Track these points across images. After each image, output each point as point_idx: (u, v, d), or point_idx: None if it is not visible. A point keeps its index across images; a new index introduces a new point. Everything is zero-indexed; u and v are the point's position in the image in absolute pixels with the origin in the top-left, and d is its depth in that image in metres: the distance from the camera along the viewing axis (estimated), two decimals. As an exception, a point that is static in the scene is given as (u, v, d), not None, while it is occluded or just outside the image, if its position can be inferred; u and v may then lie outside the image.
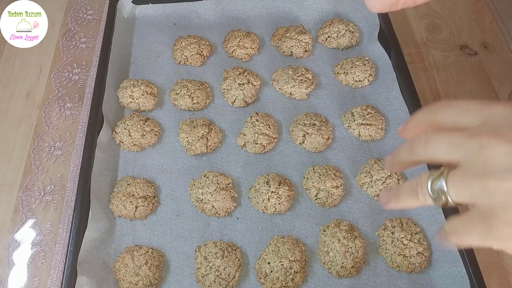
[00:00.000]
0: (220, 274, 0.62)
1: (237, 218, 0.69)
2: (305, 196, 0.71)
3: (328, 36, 0.89)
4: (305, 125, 0.76)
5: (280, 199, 0.68)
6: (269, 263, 0.63)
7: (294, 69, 0.82)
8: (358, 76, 0.83)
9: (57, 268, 0.66)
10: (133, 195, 0.68)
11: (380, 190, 0.70)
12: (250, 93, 0.80)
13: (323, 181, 0.70)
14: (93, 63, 0.88)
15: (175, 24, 0.92)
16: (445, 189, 0.30)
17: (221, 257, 0.63)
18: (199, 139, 0.74)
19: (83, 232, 0.62)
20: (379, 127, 0.77)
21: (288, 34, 0.87)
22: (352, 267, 0.63)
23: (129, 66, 0.86)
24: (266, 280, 0.62)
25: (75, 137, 0.79)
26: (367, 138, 0.77)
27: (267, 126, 0.75)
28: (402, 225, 0.67)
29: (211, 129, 0.76)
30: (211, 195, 0.68)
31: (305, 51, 0.87)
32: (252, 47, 0.86)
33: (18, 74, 0.88)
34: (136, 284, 0.61)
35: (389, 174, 0.70)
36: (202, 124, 0.76)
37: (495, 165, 0.27)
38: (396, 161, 0.36)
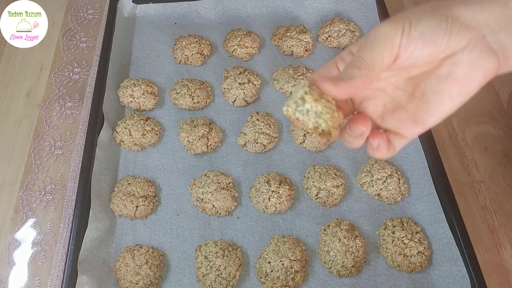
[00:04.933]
0: (221, 274, 0.62)
1: (238, 218, 0.69)
2: (305, 196, 0.71)
3: (329, 36, 0.89)
4: (305, 124, 0.76)
5: (281, 198, 0.68)
6: (269, 262, 0.63)
7: (294, 69, 0.82)
8: (359, 75, 0.83)
9: (57, 267, 0.66)
10: (133, 194, 0.68)
11: (381, 189, 0.70)
12: (251, 92, 0.80)
13: (324, 181, 0.69)
14: (94, 63, 0.88)
15: (175, 23, 0.92)
16: None
17: (221, 257, 0.63)
18: (199, 139, 0.74)
19: (83, 232, 0.62)
20: (380, 126, 0.76)
21: (288, 34, 0.87)
22: (352, 266, 0.63)
23: (129, 65, 0.86)
24: (267, 280, 0.62)
25: (76, 137, 0.79)
26: (368, 137, 0.77)
27: (267, 126, 0.75)
28: (403, 224, 0.67)
29: (212, 128, 0.76)
30: (212, 195, 0.68)
31: (306, 50, 0.87)
32: (253, 47, 0.86)
33: (19, 74, 0.88)
34: (137, 284, 0.61)
35: (389, 173, 0.70)
36: (203, 123, 0.76)
37: None
38: None
